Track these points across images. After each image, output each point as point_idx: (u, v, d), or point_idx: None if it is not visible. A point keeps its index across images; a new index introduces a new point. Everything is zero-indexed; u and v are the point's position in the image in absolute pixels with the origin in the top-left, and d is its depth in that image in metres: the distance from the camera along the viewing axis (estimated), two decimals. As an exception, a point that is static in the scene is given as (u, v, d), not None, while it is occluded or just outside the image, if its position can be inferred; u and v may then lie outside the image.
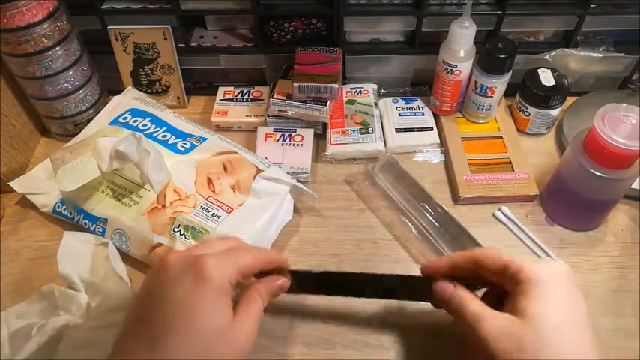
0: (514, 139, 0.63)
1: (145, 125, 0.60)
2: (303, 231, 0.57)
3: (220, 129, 0.68)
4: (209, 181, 0.55)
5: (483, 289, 0.44)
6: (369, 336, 0.48)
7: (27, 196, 0.58)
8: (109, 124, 0.61)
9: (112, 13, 0.63)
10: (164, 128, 0.60)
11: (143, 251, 0.52)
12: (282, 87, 0.64)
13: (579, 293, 0.39)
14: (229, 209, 0.52)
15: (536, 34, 0.67)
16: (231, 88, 0.71)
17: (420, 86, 0.70)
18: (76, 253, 0.51)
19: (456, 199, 0.59)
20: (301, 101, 0.62)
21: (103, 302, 0.47)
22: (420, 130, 0.65)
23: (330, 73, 0.62)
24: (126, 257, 0.53)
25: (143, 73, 0.68)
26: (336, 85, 0.61)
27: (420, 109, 0.68)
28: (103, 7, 0.63)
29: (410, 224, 0.56)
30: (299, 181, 0.58)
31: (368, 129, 0.63)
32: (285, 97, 0.62)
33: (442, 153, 0.64)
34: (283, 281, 0.43)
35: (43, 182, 0.58)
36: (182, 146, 0.58)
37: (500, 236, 0.56)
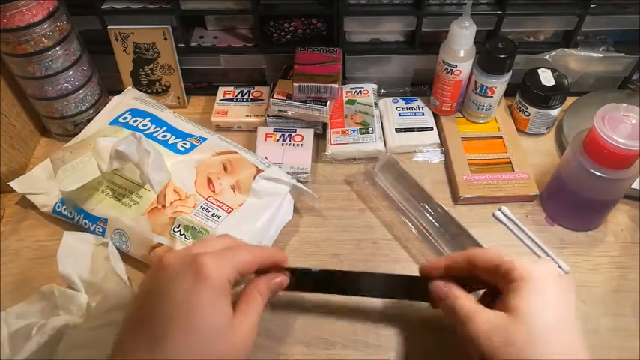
0: (514, 139, 0.63)
1: (145, 125, 0.60)
2: (303, 231, 0.57)
3: (220, 129, 0.68)
4: (209, 181, 0.55)
5: (483, 290, 0.44)
6: (369, 336, 0.48)
7: (27, 196, 0.58)
8: (109, 124, 0.61)
9: (112, 13, 0.63)
10: (164, 128, 0.60)
11: (143, 251, 0.52)
12: (282, 87, 0.64)
13: (571, 294, 0.39)
14: (229, 209, 0.52)
15: (536, 34, 0.67)
16: (231, 88, 0.71)
17: (420, 86, 0.70)
18: (76, 253, 0.51)
19: (456, 199, 0.59)
20: (301, 101, 0.62)
21: (103, 302, 0.47)
22: (420, 130, 0.65)
23: (330, 73, 0.62)
24: (126, 257, 0.53)
25: (143, 73, 0.68)
26: (336, 85, 0.61)
27: (420, 109, 0.68)
28: (103, 7, 0.63)
29: (410, 224, 0.56)
30: (299, 181, 0.58)
31: (368, 129, 0.63)
32: (285, 97, 0.62)
33: (442, 153, 0.64)
34: (282, 278, 0.43)
35: (43, 182, 0.58)
36: (182, 146, 0.58)
37: (500, 236, 0.56)
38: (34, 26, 0.55)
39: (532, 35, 0.67)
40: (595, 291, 0.51)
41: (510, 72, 0.61)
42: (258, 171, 0.55)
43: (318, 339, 0.48)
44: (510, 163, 0.61)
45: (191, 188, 0.54)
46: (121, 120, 0.61)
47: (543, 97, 0.61)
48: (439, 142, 0.64)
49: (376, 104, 0.68)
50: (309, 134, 0.64)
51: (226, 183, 0.55)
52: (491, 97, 0.62)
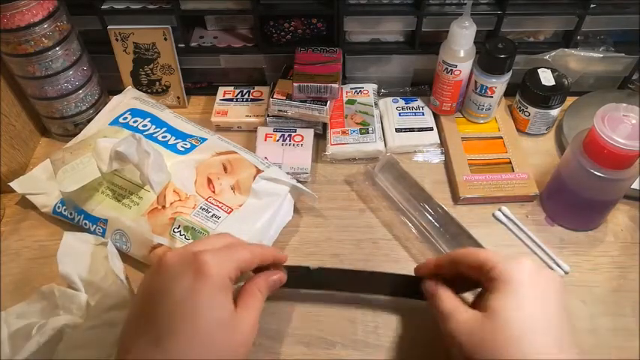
0: (514, 139, 0.63)
1: (144, 125, 0.60)
2: (303, 231, 0.57)
3: (220, 129, 0.68)
4: (209, 181, 0.55)
5: (480, 289, 0.44)
6: (369, 336, 0.48)
7: (27, 196, 0.58)
8: (109, 125, 0.61)
9: (112, 13, 0.63)
10: (164, 128, 0.60)
11: (143, 252, 0.52)
12: (282, 87, 0.64)
13: (554, 292, 0.38)
14: (229, 209, 0.52)
15: (536, 34, 0.67)
16: (231, 88, 0.71)
17: (420, 86, 0.70)
18: (76, 253, 0.51)
19: (456, 199, 0.59)
20: (301, 101, 0.62)
21: (102, 301, 0.47)
22: (420, 130, 0.65)
23: (330, 73, 0.62)
24: (126, 258, 0.53)
25: (143, 73, 0.68)
26: (336, 85, 0.61)
27: (420, 109, 0.68)
28: (103, 7, 0.63)
29: (410, 224, 0.56)
30: (299, 181, 0.58)
31: (368, 129, 0.63)
32: (285, 97, 0.62)
33: (442, 153, 0.64)
34: (280, 275, 0.44)
35: (43, 182, 0.58)
36: (182, 146, 0.58)
37: (500, 236, 0.56)
38: (34, 26, 0.55)
39: (532, 35, 0.67)
40: (595, 291, 0.51)
41: (510, 72, 0.61)
42: (258, 171, 0.55)
43: (318, 339, 0.48)
44: (510, 163, 0.61)
45: (191, 189, 0.54)
46: (120, 120, 0.61)
47: (543, 97, 0.61)
48: (439, 142, 0.64)
49: (376, 104, 0.68)
50: (309, 134, 0.64)
51: (226, 183, 0.55)
52: (492, 97, 0.62)
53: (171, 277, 0.37)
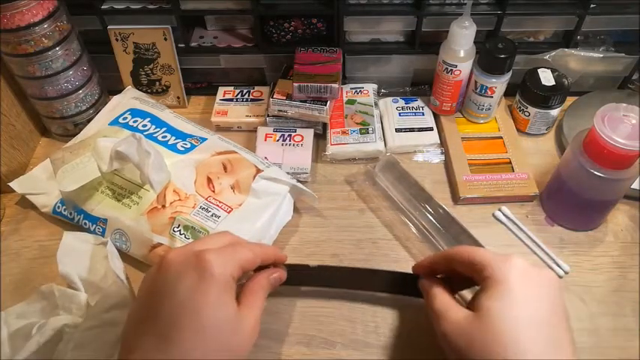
0: (514, 139, 0.63)
1: (144, 125, 0.60)
2: (303, 231, 0.57)
3: (220, 129, 0.68)
4: (209, 180, 0.55)
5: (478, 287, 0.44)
6: (369, 336, 0.48)
7: (27, 196, 0.58)
8: (109, 124, 0.61)
9: (112, 13, 0.63)
10: (164, 128, 0.60)
11: (143, 251, 0.52)
12: (282, 87, 0.64)
13: (549, 291, 0.37)
14: (229, 209, 0.52)
15: (536, 34, 0.67)
16: (231, 88, 0.71)
17: (420, 86, 0.70)
18: (76, 253, 0.51)
19: (456, 199, 0.59)
20: (301, 101, 0.62)
21: (102, 301, 0.47)
22: (420, 130, 0.65)
23: (330, 73, 0.62)
24: (126, 257, 0.53)
25: (143, 73, 0.68)
26: (336, 85, 0.61)
27: (420, 109, 0.68)
28: (103, 7, 0.63)
29: (410, 224, 0.56)
30: (299, 181, 0.58)
31: (368, 129, 0.63)
32: (285, 97, 0.62)
33: (442, 153, 0.64)
34: (280, 273, 0.44)
35: (43, 182, 0.58)
36: (182, 146, 0.58)
37: (500, 236, 0.56)
38: (34, 26, 0.55)
39: (532, 35, 0.67)
40: (595, 291, 0.51)
41: (510, 72, 0.61)
42: (258, 171, 0.55)
43: (318, 339, 0.48)
44: (510, 163, 0.61)
45: (191, 188, 0.54)
46: (120, 120, 0.61)
47: (543, 97, 0.61)
48: (439, 142, 0.64)
49: (376, 104, 0.68)
50: (309, 134, 0.64)
51: (226, 183, 0.55)
52: (491, 97, 0.62)
53: (175, 276, 0.36)
